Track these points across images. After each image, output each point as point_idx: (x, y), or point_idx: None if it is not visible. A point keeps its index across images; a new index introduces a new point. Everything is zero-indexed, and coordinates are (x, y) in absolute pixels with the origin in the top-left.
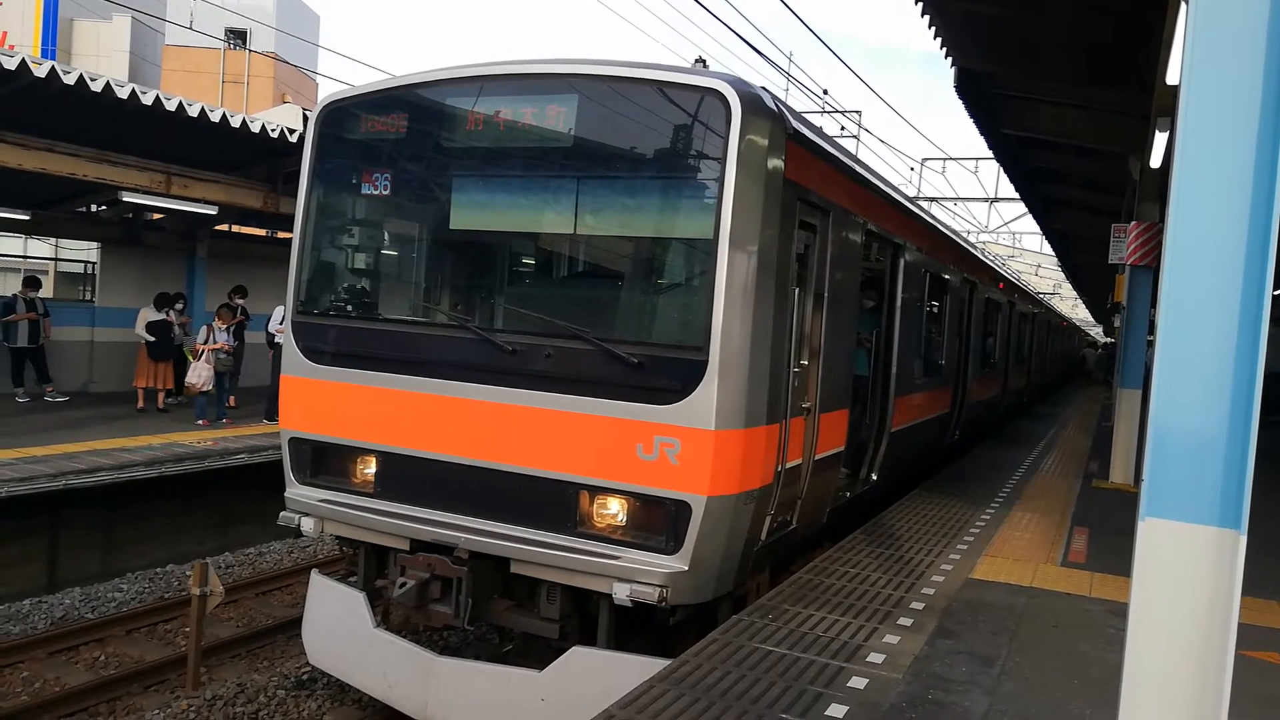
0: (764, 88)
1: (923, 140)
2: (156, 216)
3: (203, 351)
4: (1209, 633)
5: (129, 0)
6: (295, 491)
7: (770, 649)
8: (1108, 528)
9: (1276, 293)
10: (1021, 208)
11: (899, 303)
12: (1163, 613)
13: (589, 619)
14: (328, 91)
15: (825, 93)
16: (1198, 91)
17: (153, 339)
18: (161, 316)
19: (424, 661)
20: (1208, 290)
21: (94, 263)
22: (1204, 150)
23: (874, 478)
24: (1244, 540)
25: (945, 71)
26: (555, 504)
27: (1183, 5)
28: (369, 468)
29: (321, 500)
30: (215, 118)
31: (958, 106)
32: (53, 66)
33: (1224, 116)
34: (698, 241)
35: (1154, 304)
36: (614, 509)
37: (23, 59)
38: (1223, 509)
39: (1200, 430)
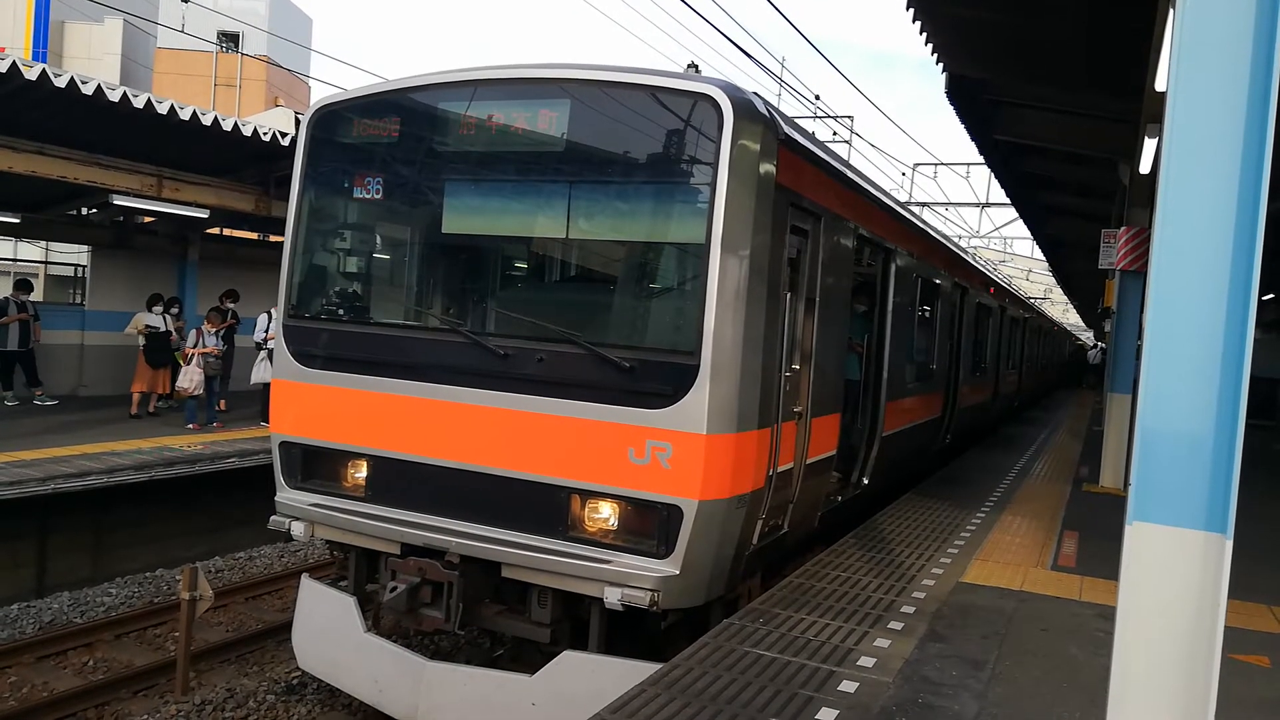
0: (756, 93)
1: (915, 145)
2: (147, 220)
3: (192, 355)
4: (1196, 636)
5: (121, 3)
6: (286, 495)
7: (761, 653)
8: (1098, 532)
9: (1262, 298)
10: (1013, 212)
11: (890, 307)
12: (1150, 616)
13: (580, 623)
14: (320, 95)
15: (817, 98)
16: (1184, 97)
17: (154, 335)
18: (158, 321)
19: (415, 666)
20: (1194, 295)
21: (84, 266)
22: (1190, 156)
23: (865, 482)
24: (1230, 544)
25: (938, 77)
26: (547, 508)
27: (1170, 11)
28: (360, 472)
29: (312, 504)
30: (207, 121)
31: (949, 112)
32: (44, 69)
33: (1210, 122)
34: (689, 246)
35: (1144, 309)
36: (605, 513)
37: (14, 61)
38: (1209, 513)
39: (1187, 435)
